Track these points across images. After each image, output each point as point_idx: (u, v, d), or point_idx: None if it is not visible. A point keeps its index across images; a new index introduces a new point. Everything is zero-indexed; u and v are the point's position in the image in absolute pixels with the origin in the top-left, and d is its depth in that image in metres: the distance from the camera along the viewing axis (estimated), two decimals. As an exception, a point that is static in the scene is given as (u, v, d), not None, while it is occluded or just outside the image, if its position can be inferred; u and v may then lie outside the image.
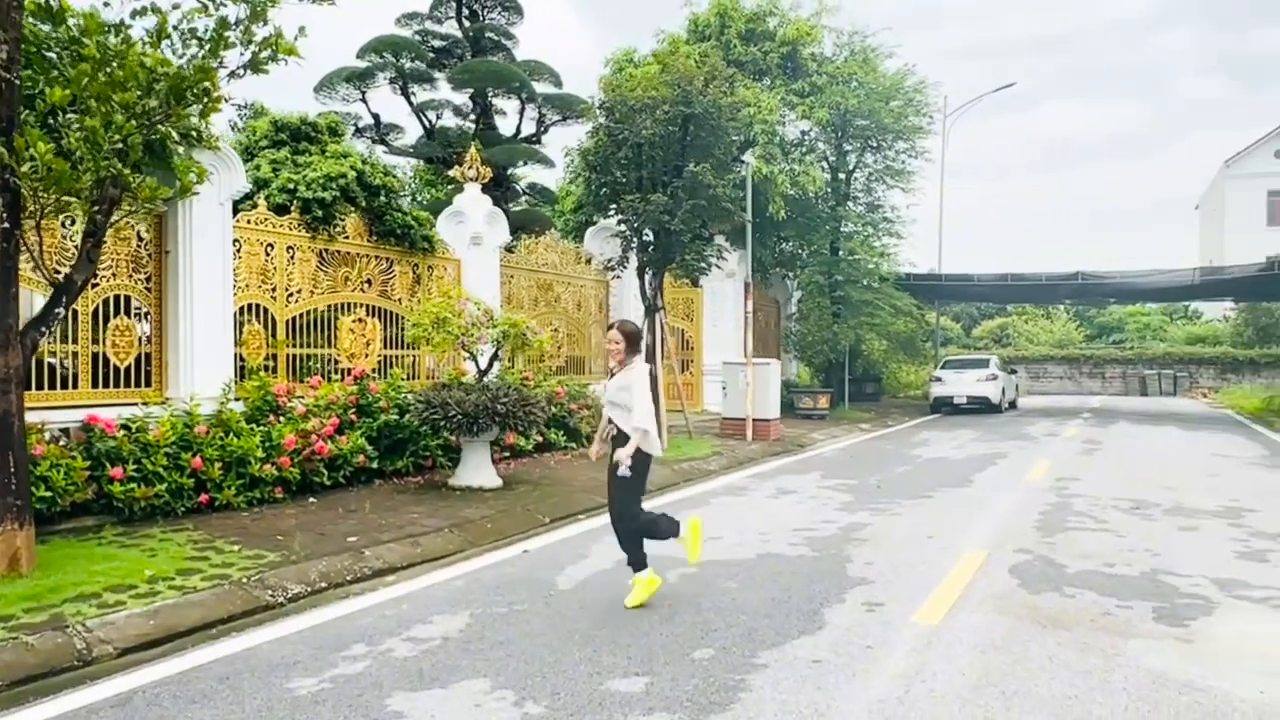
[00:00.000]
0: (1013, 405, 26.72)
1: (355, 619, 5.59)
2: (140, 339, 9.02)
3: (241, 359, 9.85)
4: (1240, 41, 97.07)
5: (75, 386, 8.47)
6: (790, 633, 5.12)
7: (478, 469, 9.98)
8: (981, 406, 24.43)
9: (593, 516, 8.81)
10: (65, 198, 6.16)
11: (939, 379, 25.29)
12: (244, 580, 6.12)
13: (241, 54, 6.76)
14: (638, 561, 5.82)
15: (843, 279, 22.79)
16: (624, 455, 5.58)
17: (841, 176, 23.49)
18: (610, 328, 6.04)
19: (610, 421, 5.88)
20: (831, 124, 21.45)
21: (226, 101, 6.70)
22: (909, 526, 8.21)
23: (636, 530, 5.79)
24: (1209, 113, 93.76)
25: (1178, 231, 78.35)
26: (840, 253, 23.34)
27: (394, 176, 11.51)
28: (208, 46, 6.34)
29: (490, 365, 10.26)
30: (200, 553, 6.82)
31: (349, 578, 6.58)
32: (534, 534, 8.18)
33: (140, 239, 8.93)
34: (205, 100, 6.40)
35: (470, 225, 13.11)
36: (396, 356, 11.94)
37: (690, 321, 20.41)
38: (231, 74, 6.72)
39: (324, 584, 6.37)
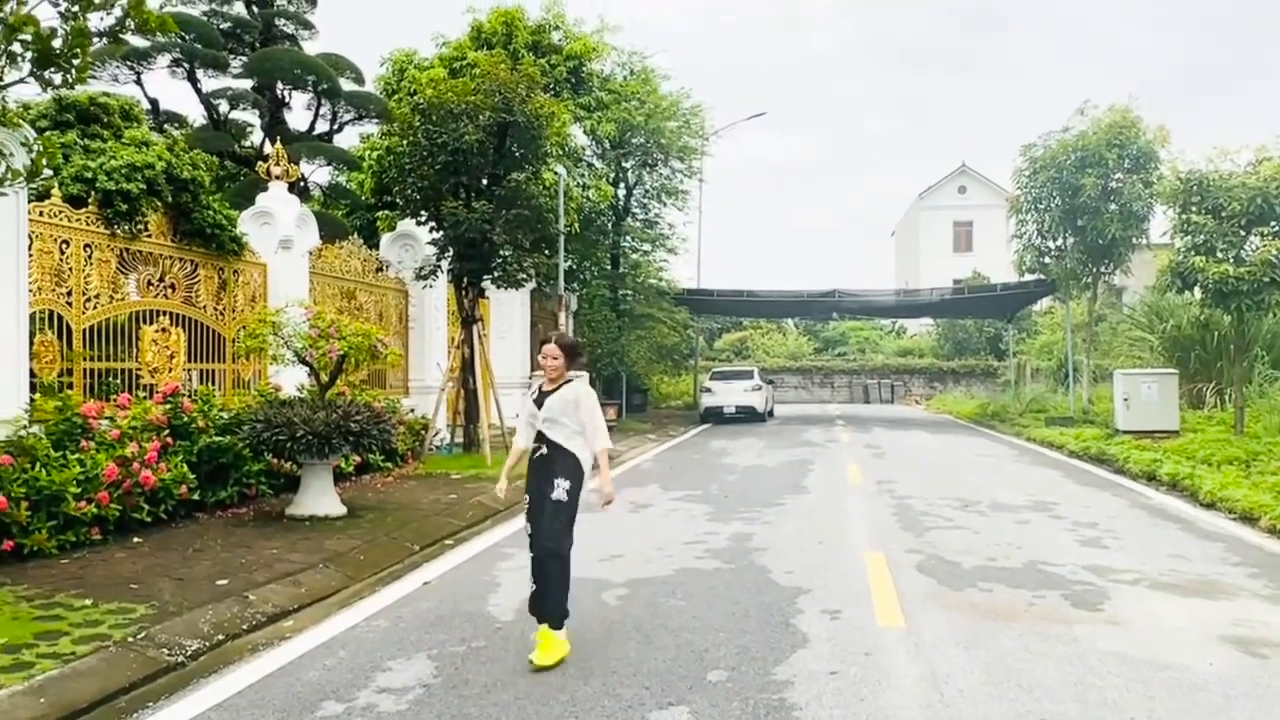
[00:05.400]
0: (771, 414, 28.52)
1: (294, 673, 4.86)
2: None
3: (33, 374, 8.25)
4: (907, 85, 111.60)
5: None
6: (782, 647, 5.11)
7: (320, 496, 9.06)
8: (747, 415, 25.79)
9: (461, 543, 8.39)
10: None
11: (709, 390, 26.37)
12: (129, 640, 5.13)
13: (102, 18, 5.72)
14: (562, 614, 5.09)
15: (626, 292, 23.29)
16: (607, 482, 5.29)
17: (622, 193, 24.03)
18: (545, 341, 5.70)
19: (541, 442, 5.42)
20: (614, 141, 21.90)
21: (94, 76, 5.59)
22: (792, 534, 8.51)
23: (566, 571, 5.23)
24: (888, 145, 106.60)
25: (875, 255, 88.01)
26: (621, 267, 23.83)
27: (203, 170, 10.17)
28: (79, 5, 5.29)
29: (334, 380, 9.40)
30: (46, 611, 5.62)
31: (245, 626, 5.73)
32: (413, 564, 7.58)
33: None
34: (71, 69, 5.32)
35: (279, 227, 11.92)
36: (202, 370, 10.57)
37: (481, 334, 19.83)
38: (84, 38, 5.66)
39: (221, 636, 5.50)
